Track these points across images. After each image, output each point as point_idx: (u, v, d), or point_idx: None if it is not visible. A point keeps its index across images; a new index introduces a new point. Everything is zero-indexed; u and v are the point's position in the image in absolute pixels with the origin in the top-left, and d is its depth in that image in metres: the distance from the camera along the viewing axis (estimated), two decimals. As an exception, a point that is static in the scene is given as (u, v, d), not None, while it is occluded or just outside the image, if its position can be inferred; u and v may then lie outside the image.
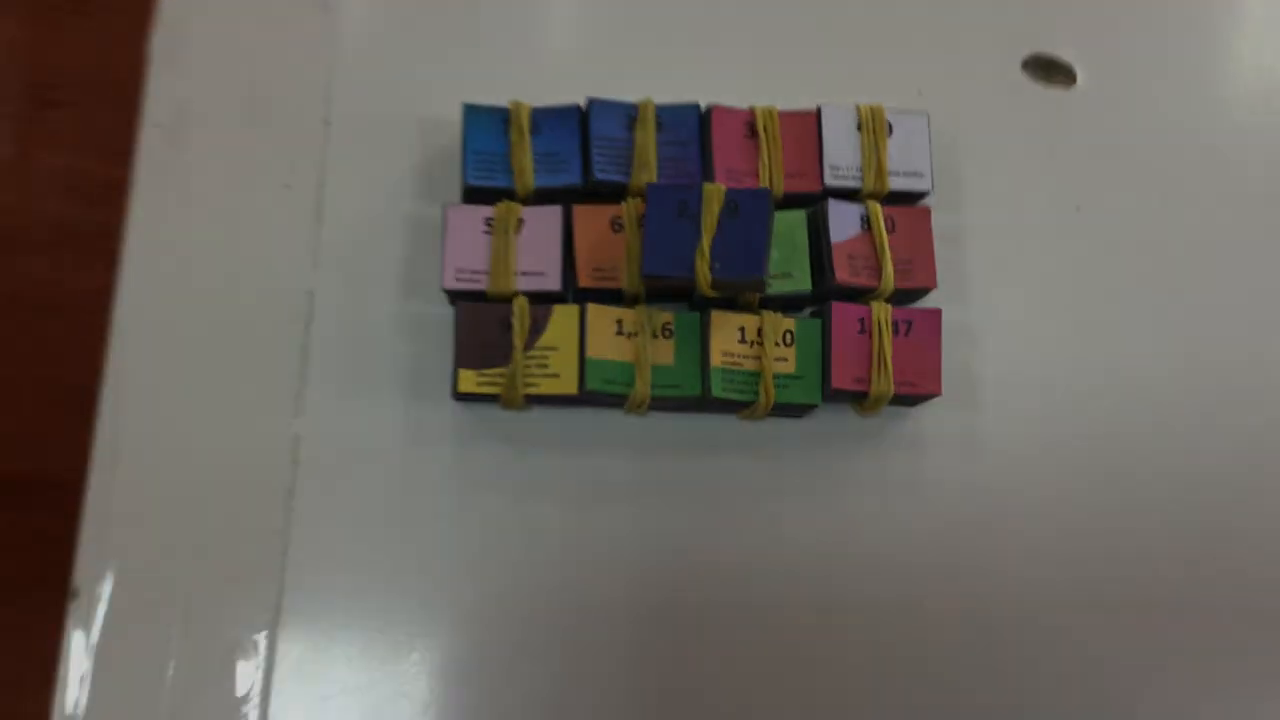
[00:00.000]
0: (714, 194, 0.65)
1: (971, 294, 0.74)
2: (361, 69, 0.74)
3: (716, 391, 0.67)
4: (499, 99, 0.70)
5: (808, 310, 0.72)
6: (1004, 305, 0.74)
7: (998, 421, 0.72)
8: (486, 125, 0.70)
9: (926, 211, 0.71)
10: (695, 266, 0.65)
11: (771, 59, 0.77)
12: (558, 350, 0.67)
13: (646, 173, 0.69)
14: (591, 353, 0.67)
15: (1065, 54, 0.79)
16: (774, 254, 0.68)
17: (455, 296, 0.69)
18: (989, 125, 0.77)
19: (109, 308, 0.68)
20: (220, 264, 0.70)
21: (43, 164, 1.19)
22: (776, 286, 0.68)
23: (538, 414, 0.70)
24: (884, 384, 0.68)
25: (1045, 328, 0.74)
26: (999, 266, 0.75)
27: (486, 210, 0.68)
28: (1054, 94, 0.78)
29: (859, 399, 0.69)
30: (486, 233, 0.68)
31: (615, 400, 0.67)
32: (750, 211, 0.65)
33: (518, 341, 0.66)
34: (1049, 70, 0.79)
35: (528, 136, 0.69)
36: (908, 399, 0.69)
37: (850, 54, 0.78)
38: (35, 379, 1.13)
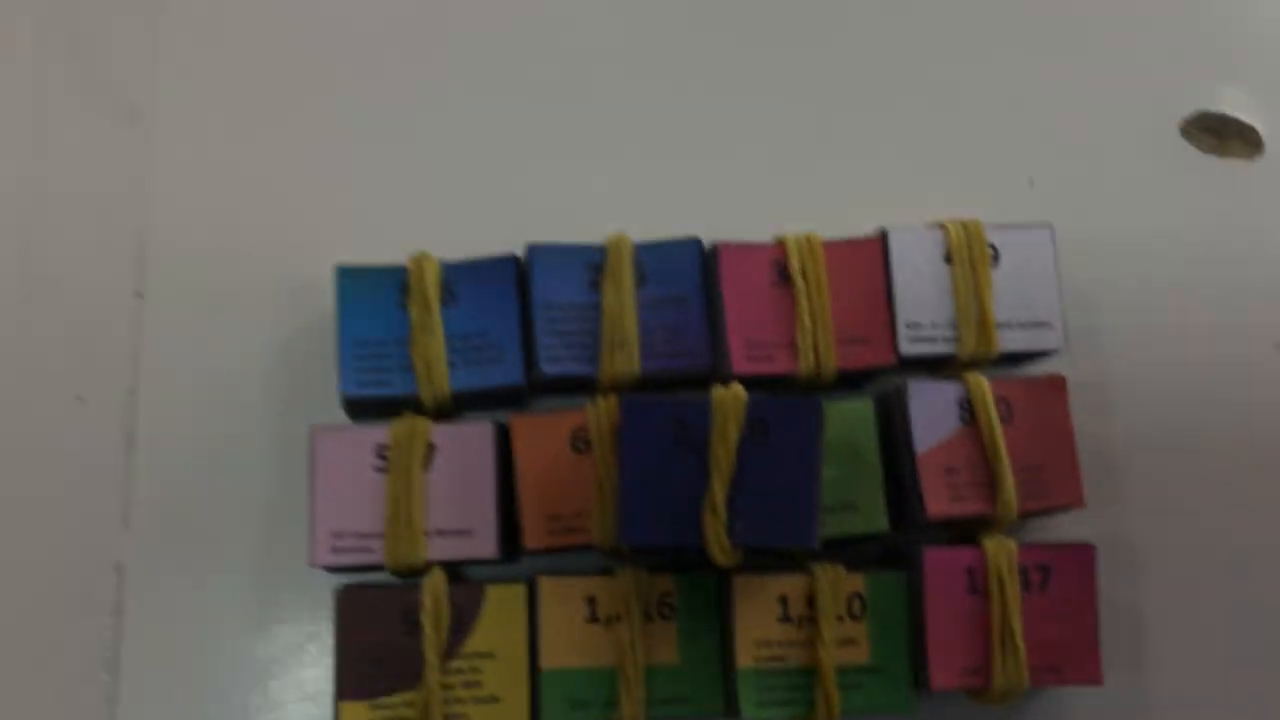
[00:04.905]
0: (729, 408, 0.40)
1: (1131, 505, 0.48)
2: (189, 211, 0.49)
3: (749, 711, 0.43)
4: (393, 253, 0.45)
5: (878, 545, 0.47)
6: (1184, 521, 0.48)
7: (1183, 703, 0.47)
8: (373, 296, 0.45)
9: (1060, 382, 0.45)
10: (704, 530, 0.40)
11: (803, 160, 0.51)
12: (494, 658, 0.43)
13: (624, 354, 0.44)
14: (549, 660, 0.42)
15: (1243, 110, 0.53)
16: (826, 471, 0.43)
17: (335, 574, 0.44)
18: (1138, 226, 0.51)
19: None
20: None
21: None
22: (834, 526, 0.43)
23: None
24: (1012, 674, 0.43)
25: (1254, 552, 0.48)
26: (1176, 455, 0.49)
27: (378, 433, 0.43)
28: (1232, 169, 0.52)
29: (977, 691, 0.44)
30: (379, 469, 0.43)
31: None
32: (790, 434, 0.40)
33: (431, 649, 0.42)
34: (1222, 134, 0.52)
35: (437, 310, 0.44)
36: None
37: (922, 139, 0.52)
38: None
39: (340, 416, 0.45)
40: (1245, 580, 0.48)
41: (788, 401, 0.41)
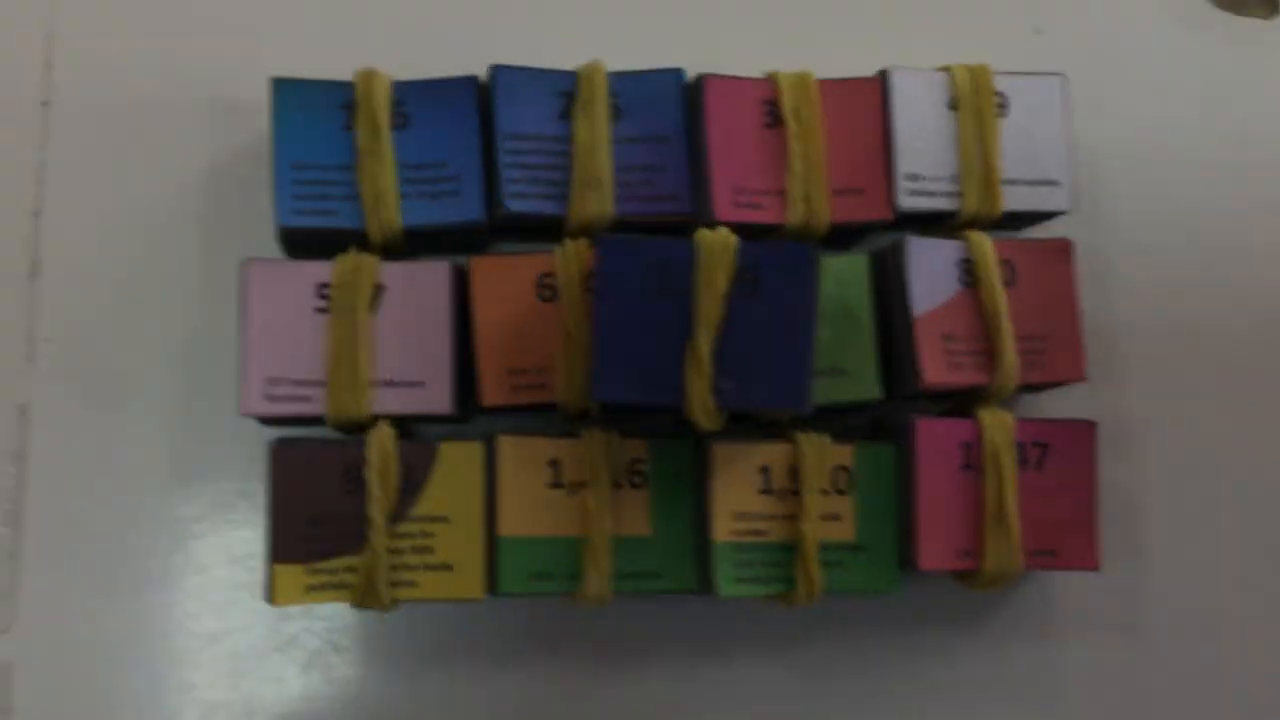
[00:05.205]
0: (718, 253, 0.36)
1: (1130, 382, 0.45)
2: (106, 8, 0.44)
3: (724, 587, 0.39)
4: (338, 69, 0.39)
5: (867, 416, 0.43)
6: (1189, 400, 0.45)
7: (1177, 590, 0.44)
8: (314, 116, 0.40)
9: (1066, 246, 0.42)
10: (686, 388, 0.35)
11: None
12: (448, 522, 0.39)
13: (597, 195, 0.40)
14: (507, 527, 0.38)
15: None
16: (817, 333, 0.39)
17: (268, 427, 0.39)
18: (1148, 85, 0.47)
19: None
20: None
21: None
22: (823, 392, 0.39)
23: (425, 610, 0.41)
24: (1004, 556, 0.40)
25: (1257, 438, 0.46)
26: (1181, 331, 0.45)
27: (320, 270, 0.38)
28: (1251, 28, 0.48)
29: (966, 574, 0.41)
30: (320, 310, 0.38)
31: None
32: (783, 285, 0.36)
33: (376, 510, 0.37)
34: (1240, -9, 0.49)
35: (388, 134, 0.39)
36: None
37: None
38: None
39: (275, 252, 0.41)
40: (1247, 462, 0.45)
41: (782, 246, 0.37)
